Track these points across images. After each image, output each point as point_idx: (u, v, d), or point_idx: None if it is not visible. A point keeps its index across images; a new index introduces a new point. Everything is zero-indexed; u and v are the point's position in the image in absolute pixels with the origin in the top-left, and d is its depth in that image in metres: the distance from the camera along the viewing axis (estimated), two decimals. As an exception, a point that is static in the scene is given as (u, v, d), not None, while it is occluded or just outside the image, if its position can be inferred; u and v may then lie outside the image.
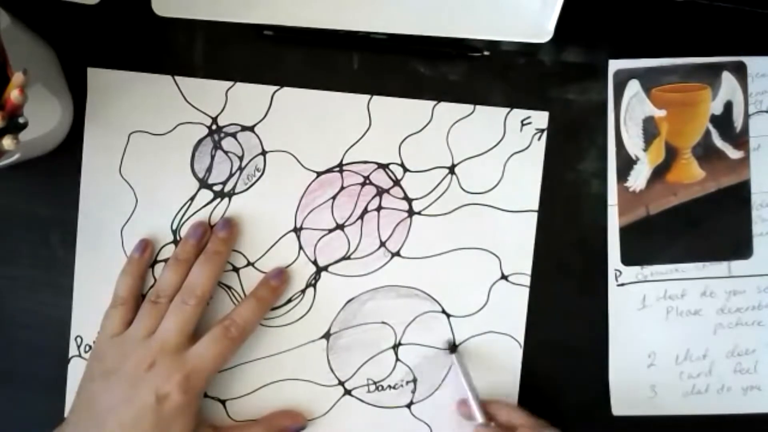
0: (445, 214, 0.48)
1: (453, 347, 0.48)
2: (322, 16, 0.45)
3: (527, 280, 0.48)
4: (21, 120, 0.37)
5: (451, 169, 0.48)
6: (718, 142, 0.48)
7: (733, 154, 0.48)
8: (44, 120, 0.43)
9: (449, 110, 0.48)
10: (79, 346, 0.48)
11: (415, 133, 0.48)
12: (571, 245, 0.48)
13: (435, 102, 0.47)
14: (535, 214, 0.48)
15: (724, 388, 0.49)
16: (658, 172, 0.48)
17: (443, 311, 0.48)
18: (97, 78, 0.47)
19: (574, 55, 0.47)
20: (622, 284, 0.48)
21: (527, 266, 0.48)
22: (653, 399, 0.48)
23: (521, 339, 0.48)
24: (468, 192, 0.48)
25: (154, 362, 0.44)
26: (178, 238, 0.48)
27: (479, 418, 0.46)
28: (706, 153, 0.48)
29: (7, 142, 0.36)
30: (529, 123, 0.48)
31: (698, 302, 0.48)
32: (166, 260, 0.48)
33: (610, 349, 0.48)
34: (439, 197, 0.48)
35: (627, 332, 0.48)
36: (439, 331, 0.48)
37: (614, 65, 0.47)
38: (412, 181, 0.48)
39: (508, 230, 0.48)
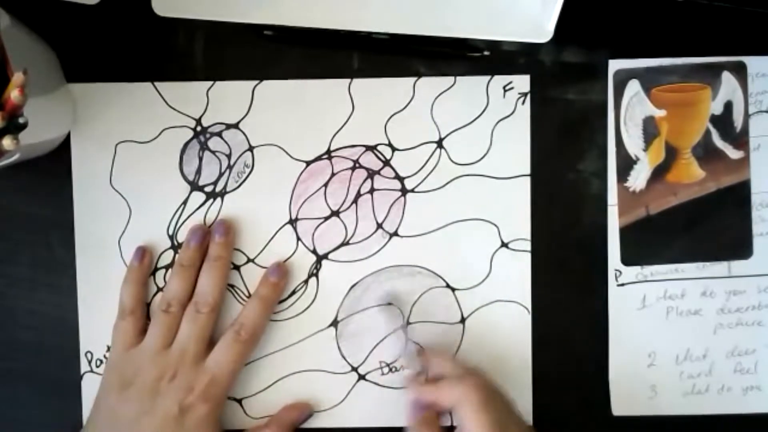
0: (439, 188, 0.48)
1: (393, 300, 0.48)
2: (323, 16, 0.45)
3: (528, 246, 0.48)
4: (21, 120, 0.37)
5: (439, 143, 0.48)
6: (718, 142, 0.48)
7: (733, 154, 0.48)
8: (44, 120, 0.43)
9: (430, 84, 0.47)
10: (90, 362, 0.48)
11: (399, 111, 0.48)
12: (571, 245, 0.48)
13: (415, 78, 0.47)
14: (528, 179, 0.48)
15: (724, 388, 0.48)
16: (658, 172, 0.48)
17: (447, 285, 0.48)
18: (77, 92, 0.47)
19: (574, 55, 0.47)
20: (622, 284, 0.48)
21: (526, 231, 0.48)
22: (653, 399, 0.48)
23: (528, 304, 0.48)
24: (458, 164, 0.48)
25: (176, 373, 0.44)
26: (175, 243, 0.48)
27: (412, 368, 0.46)
28: (706, 153, 0.48)
29: (7, 142, 0.36)
30: (512, 88, 0.47)
31: (698, 302, 0.48)
32: (166, 267, 0.48)
33: (610, 349, 0.48)
34: (431, 172, 0.48)
35: (627, 332, 0.48)
36: (445, 306, 0.48)
37: (614, 65, 0.47)
38: (402, 159, 0.48)
39: (503, 197, 0.48)
